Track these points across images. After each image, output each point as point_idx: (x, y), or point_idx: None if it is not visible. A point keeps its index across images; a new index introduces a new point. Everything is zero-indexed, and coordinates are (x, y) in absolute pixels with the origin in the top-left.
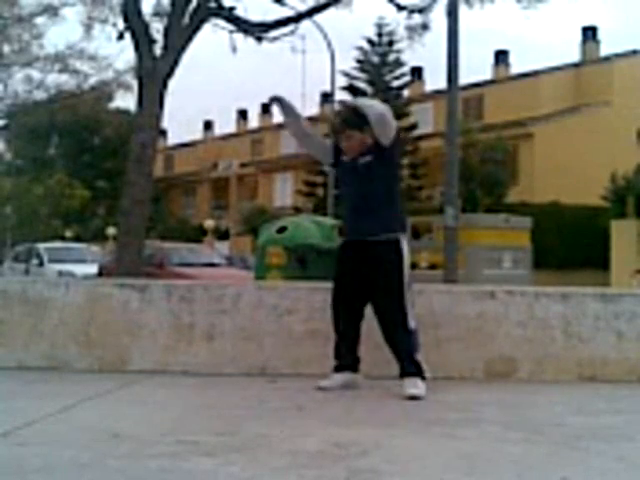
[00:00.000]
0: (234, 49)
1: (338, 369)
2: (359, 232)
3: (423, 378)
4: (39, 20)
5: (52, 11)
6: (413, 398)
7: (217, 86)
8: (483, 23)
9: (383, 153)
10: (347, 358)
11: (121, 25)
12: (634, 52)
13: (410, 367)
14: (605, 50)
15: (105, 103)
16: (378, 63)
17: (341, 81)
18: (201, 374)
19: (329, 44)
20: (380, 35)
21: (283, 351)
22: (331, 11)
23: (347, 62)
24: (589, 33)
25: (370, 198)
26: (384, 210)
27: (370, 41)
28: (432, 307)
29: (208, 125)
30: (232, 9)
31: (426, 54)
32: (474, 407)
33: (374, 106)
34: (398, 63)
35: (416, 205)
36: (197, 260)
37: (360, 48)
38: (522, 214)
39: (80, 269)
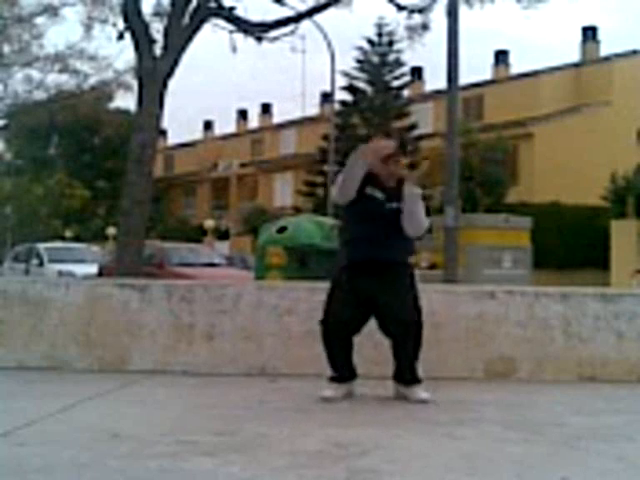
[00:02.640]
0: (234, 49)
1: (337, 380)
2: (372, 252)
3: (420, 382)
4: (39, 20)
5: (52, 11)
6: (423, 402)
7: (217, 86)
8: (483, 23)
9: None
10: (345, 370)
11: (121, 25)
12: (634, 52)
13: (413, 375)
14: (605, 50)
15: (105, 103)
16: (378, 63)
17: (341, 81)
18: (201, 374)
19: (329, 44)
20: (380, 35)
21: (283, 351)
22: (331, 11)
23: (347, 62)
24: (589, 33)
25: (388, 226)
26: (400, 240)
27: (370, 41)
28: (432, 307)
29: (208, 125)
30: (232, 9)
31: (426, 54)
32: (474, 407)
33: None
34: (398, 63)
35: None
36: (197, 260)
37: (360, 48)
38: (522, 214)
39: (80, 269)
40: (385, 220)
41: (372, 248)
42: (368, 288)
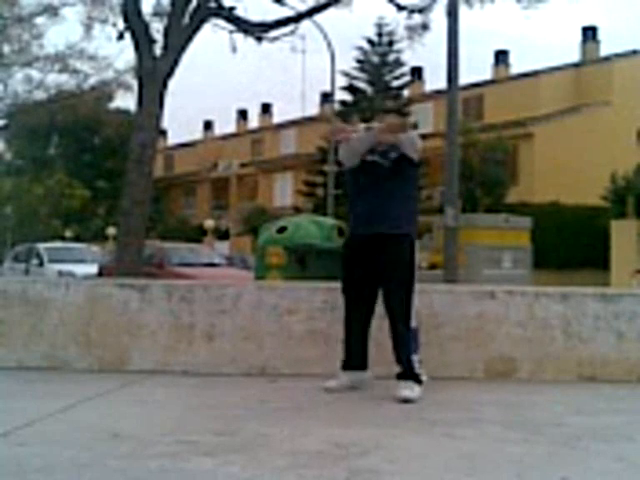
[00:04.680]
0: (234, 49)
1: (346, 367)
2: (373, 226)
3: (419, 382)
4: (39, 20)
5: (52, 11)
6: (405, 401)
7: (217, 86)
8: (483, 23)
9: (407, 160)
10: (356, 356)
11: (121, 25)
12: (634, 52)
13: (406, 370)
14: (605, 50)
15: (105, 103)
16: (378, 63)
17: (341, 81)
18: (201, 374)
19: (329, 44)
20: (380, 35)
21: (283, 351)
22: (331, 11)
23: (347, 62)
24: (589, 33)
25: (389, 196)
26: (401, 209)
27: (370, 41)
28: (433, 307)
29: (208, 125)
30: (232, 9)
31: (426, 54)
32: (474, 407)
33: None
34: (398, 63)
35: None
36: (197, 260)
37: (360, 48)
38: (522, 214)
39: (80, 269)
40: (386, 184)
41: (372, 221)
42: (370, 260)
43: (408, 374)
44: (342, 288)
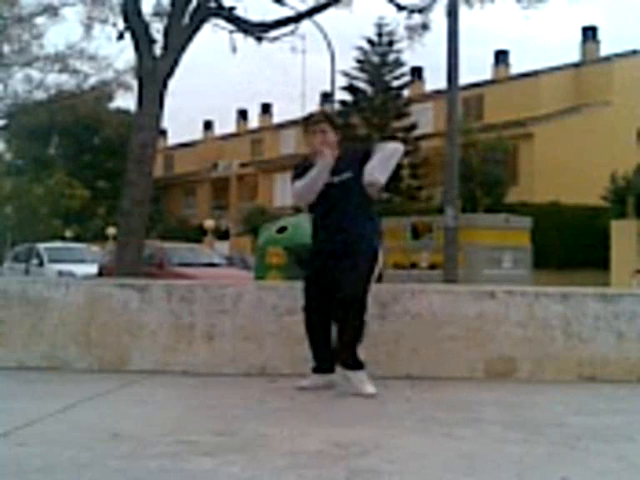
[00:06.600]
0: (234, 49)
1: (317, 371)
2: (336, 244)
3: (362, 367)
4: (39, 20)
5: (52, 11)
6: (370, 396)
7: (217, 86)
8: (483, 23)
9: (361, 171)
10: (325, 361)
11: (121, 25)
12: (634, 52)
13: (353, 360)
14: (605, 50)
15: (105, 103)
16: (378, 63)
17: (341, 81)
18: (201, 374)
19: (329, 44)
20: (380, 35)
21: (283, 351)
22: (331, 11)
23: (347, 62)
24: (589, 33)
25: (347, 214)
26: (361, 223)
27: (370, 41)
28: (432, 307)
29: (208, 125)
30: (232, 9)
31: (426, 54)
32: (474, 407)
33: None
34: (398, 63)
35: (416, 205)
36: (197, 260)
37: (360, 48)
38: (522, 214)
39: (80, 269)
40: (341, 201)
41: (332, 239)
42: (329, 273)
43: (352, 364)
44: (305, 297)
